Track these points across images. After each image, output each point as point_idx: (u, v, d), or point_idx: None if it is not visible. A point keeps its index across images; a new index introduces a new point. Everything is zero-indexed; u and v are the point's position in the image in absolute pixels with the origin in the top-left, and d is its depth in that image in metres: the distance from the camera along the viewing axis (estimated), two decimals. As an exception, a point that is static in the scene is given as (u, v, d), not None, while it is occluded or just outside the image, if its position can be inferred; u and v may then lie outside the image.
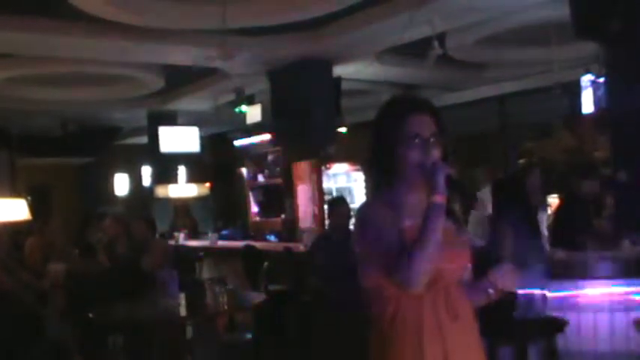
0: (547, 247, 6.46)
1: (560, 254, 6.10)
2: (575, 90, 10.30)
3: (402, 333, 2.41)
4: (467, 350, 2.46)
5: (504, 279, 2.53)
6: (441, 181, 2.35)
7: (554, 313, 5.40)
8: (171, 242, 11.90)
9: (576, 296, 5.83)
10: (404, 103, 2.58)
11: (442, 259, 2.34)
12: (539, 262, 5.44)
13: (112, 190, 19.33)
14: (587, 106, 9.90)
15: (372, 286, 2.47)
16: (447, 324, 2.41)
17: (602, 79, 8.38)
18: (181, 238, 12.34)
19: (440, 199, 2.35)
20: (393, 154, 2.46)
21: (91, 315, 6.03)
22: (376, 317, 2.48)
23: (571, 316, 5.43)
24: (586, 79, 9.79)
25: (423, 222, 2.34)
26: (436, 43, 8.95)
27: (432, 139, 2.46)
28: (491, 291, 2.54)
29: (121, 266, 7.35)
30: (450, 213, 2.47)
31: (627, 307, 5.70)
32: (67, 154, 18.00)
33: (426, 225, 2.33)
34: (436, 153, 2.45)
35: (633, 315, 5.40)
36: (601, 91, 8.76)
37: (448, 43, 9.71)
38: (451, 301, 2.43)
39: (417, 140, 2.44)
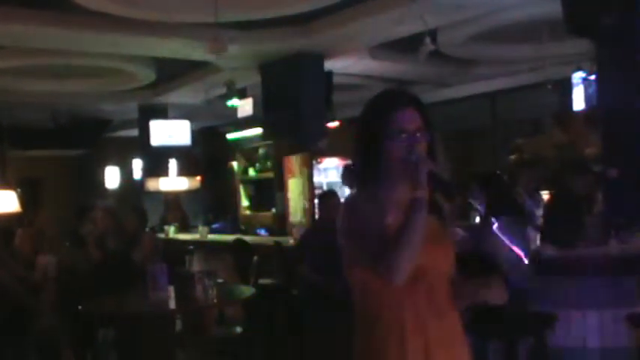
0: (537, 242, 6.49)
1: (550, 250, 6.12)
2: (567, 87, 10.34)
3: (385, 328, 2.41)
4: (450, 347, 2.46)
5: (494, 294, 2.54)
6: (423, 176, 2.36)
7: (544, 309, 5.41)
8: (162, 235, 11.88)
9: (565, 292, 5.84)
10: (390, 98, 2.57)
11: (425, 255, 2.35)
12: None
13: (103, 183, 19.29)
14: (578, 103, 9.94)
15: (355, 280, 2.47)
16: (430, 320, 2.41)
17: (593, 77, 8.40)
18: (172, 231, 12.31)
19: (422, 194, 2.36)
20: (378, 149, 2.46)
21: (80, 308, 6.00)
22: (360, 312, 2.48)
23: (560, 313, 5.44)
24: (577, 76, 9.84)
25: (406, 216, 2.35)
26: (428, 39, 8.96)
27: (417, 134, 2.45)
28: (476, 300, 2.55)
29: (111, 259, 7.33)
30: (435, 209, 2.47)
31: (616, 303, 5.72)
32: (58, 147, 17.97)
33: (408, 219, 2.34)
34: (421, 148, 2.44)
35: (622, 311, 5.42)
36: (592, 88, 8.79)
37: (440, 39, 9.72)
38: (435, 297, 2.43)
39: (402, 135, 2.44)
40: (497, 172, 6.61)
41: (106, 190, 19.12)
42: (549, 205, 7.46)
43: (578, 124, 10.52)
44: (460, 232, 5.88)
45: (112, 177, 19.56)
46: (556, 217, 6.89)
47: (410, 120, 2.46)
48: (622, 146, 7.14)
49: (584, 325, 5.82)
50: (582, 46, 8.14)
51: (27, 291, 7.33)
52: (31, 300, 7.31)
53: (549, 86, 11.22)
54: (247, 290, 6.31)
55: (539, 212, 7.49)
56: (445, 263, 2.50)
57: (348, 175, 8.38)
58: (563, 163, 8.30)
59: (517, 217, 5.63)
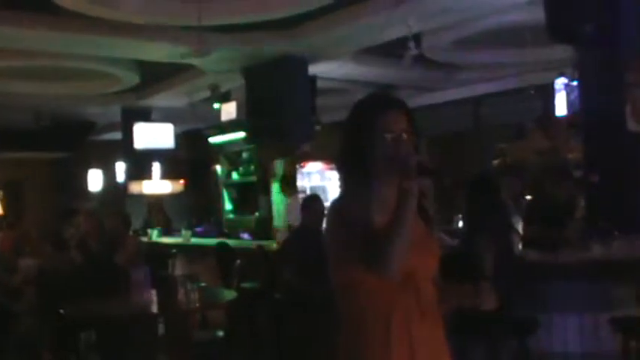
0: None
1: (532, 255, 6.15)
2: (549, 92, 10.39)
3: (371, 329, 2.42)
4: (434, 348, 2.48)
5: (483, 299, 2.56)
6: (412, 167, 2.37)
7: (526, 314, 5.43)
8: (145, 239, 11.85)
9: (547, 296, 5.87)
10: (376, 101, 2.60)
11: (413, 257, 2.37)
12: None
13: (86, 186, 19.21)
14: (561, 108, 9.99)
15: (342, 283, 2.48)
16: (416, 322, 2.43)
17: (575, 82, 8.45)
18: (154, 234, 12.29)
19: (410, 185, 2.37)
20: (364, 151, 2.48)
21: (62, 311, 5.98)
22: (345, 314, 2.49)
23: (542, 317, 5.46)
24: (560, 82, 9.88)
25: (396, 209, 2.37)
26: (412, 44, 8.98)
27: (403, 136, 2.48)
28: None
29: (93, 262, 7.31)
30: (421, 211, 2.49)
31: (597, 307, 5.76)
32: (41, 149, 17.86)
33: (397, 211, 2.36)
34: (407, 149, 2.47)
35: (603, 316, 5.45)
36: (574, 94, 8.84)
37: (424, 44, 9.75)
38: (421, 298, 2.45)
39: (388, 137, 2.46)
40: (488, 177, 6.61)
41: (89, 193, 19.03)
42: (531, 210, 7.50)
43: (560, 129, 10.57)
44: (446, 238, 5.92)
45: (95, 180, 19.47)
46: (538, 222, 6.93)
47: (396, 122, 2.50)
48: (603, 151, 7.19)
49: (566, 329, 5.85)
50: (565, 52, 8.18)
51: (8, 294, 7.30)
52: (8, 303, 7.28)
53: (532, 92, 11.27)
54: (229, 294, 6.31)
55: (521, 218, 7.52)
56: (431, 265, 2.53)
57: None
58: (545, 168, 8.34)
59: (503, 222, 5.65)
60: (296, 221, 10.25)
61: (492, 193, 5.62)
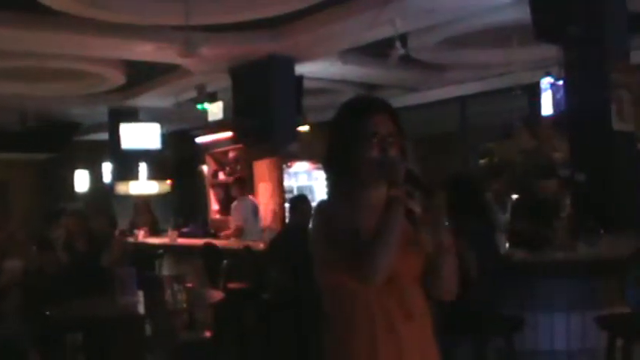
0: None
1: (519, 254, 6.16)
2: (535, 92, 10.42)
3: (357, 333, 2.41)
4: (421, 350, 2.47)
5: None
6: (399, 175, 2.37)
7: (512, 312, 5.45)
8: (131, 239, 11.81)
9: (533, 295, 5.89)
10: (362, 103, 2.60)
11: (398, 259, 2.36)
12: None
13: (72, 187, 19.14)
14: (547, 108, 10.02)
15: (327, 283, 2.48)
16: (401, 324, 2.42)
17: (561, 82, 8.48)
18: (141, 235, 12.24)
19: (398, 192, 2.37)
20: (350, 153, 2.48)
21: (48, 312, 5.95)
22: (331, 317, 2.49)
23: (528, 315, 5.48)
24: (546, 82, 9.91)
25: (382, 216, 2.35)
26: (398, 44, 9.00)
27: (390, 138, 2.47)
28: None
29: (79, 263, 7.28)
30: (408, 213, 2.48)
31: (583, 306, 5.78)
32: (27, 150, 17.80)
33: (384, 218, 2.35)
34: (394, 152, 2.46)
35: (589, 314, 5.47)
36: (560, 94, 8.87)
37: (410, 44, 9.77)
38: (406, 300, 2.44)
39: (375, 139, 2.46)
40: (467, 175, 6.62)
41: (75, 193, 18.97)
42: (517, 209, 7.52)
43: (546, 128, 10.61)
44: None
45: (81, 180, 19.41)
46: (524, 221, 6.95)
47: (383, 124, 2.48)
48: (589, 150, 7.22)
49: (552, 328, 5.87)
50: (551, 51, 8.21)
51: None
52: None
53: (518, 92, 11.30)
54: (216, 294, 6.30)
55: (507, 216, 7.55)
56: (417, 267, 2.50)
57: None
58: (531, 168, 8.37)
59: (483, 221, 5.65)
60: (239, 222, 10.66)
61: (472, 193, 5.62)
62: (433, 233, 2.45)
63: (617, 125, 7.08)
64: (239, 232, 10.62)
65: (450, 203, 2.61)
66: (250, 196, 11.13)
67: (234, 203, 10.95)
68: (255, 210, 10.94)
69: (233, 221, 10.91)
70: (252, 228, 10.65)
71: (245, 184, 11.24)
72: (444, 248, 2.46)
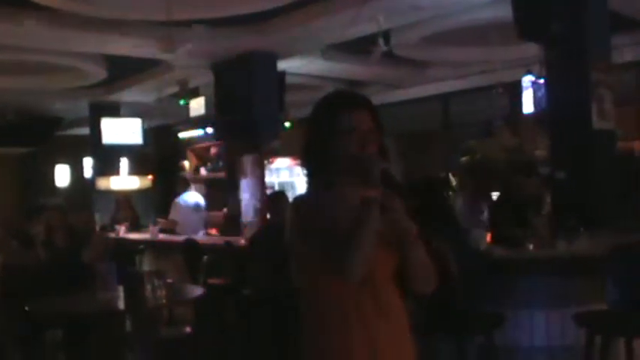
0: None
1: (499, 251, 6.19)
2: (517, 90, 10.46)
3: (332, 328, 2.41)
4: (396, 346, 2.47)
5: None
6: (376, 174, 2.36)
7: (492, 309, 5.47)
8: (112, 235, 11.77)
9: (514, 292, 5.92)
10: (340, 98, 2.58)
11: (372, 258, 2.36)
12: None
13: (53, 182, 19.04)
14: (528, 105, 10.07)
15: (302, 283, 2.47)
16: (376, 323, 2.41)
17: (542, 80, 8.52)
18: (122, 230, 12.20)
19: (374, 193, 2.36)
20: (328, 149, 2.46)
21: (27, 308, 5.92)
22: (306, 314, 2.48)
23: (508, 312, 5.50)
24: (527, 80, 9.96)
25: (359, 216, 2.35)
26: (381, 41, 9.00)
27: (369, 135, 2.46)
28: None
29: (59, 259, 7.25)
30: (386, 211, 2.47)
31: (563, 303, 5.81)
32: (7, 144, 17.67)
33: (360, 218, 2.34)
34: (373, 148, 2.45)
35: (568, 311, 5.50)
36: (541, 92, 8.91)
37: (393, 41, 9.77)
38: (380, 300, 2.43)
39: (353, 134, 2.44)
40: (432, 178, 6.56)
41: (55, 188, 18.88)
42: (498, 206, 7.55)
43: (527, 126, 10.65)
44: None
45: (62, 175, 19.32)
46: (505, 218, 6.98)
47: (361, 120, 2.47)
48: (569, 149, 7.26)
49: (532, 324, 5.90)
50: (532, 50, 8.24)
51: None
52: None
53: (500, 90, 11.35)
54: (197, 290, 6.29)
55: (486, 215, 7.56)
56: (392, 266, 2.50)
57: None
58: (512, 165, 8.39)
59: (448, 226, 5.67)
60: (175, 217, 11.42)
61: (435, 194, 5.63)
62: (397, 221, 2.43)
63: (597, 124, 7.12)
64: (172, 226, 11.38)
65: (416, 207, 2.58)
66: (194, 193, 11.72)
67: (177, 199, 11.63)
68: (197, 206, 11.63)
69: (170, 215, 11.66)
70: (192, 223, 11.33)
71: (188, 182, 12.01)
72: (408, 236, 2.45)
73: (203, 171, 13.22)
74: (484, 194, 8.03)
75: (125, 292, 5.67)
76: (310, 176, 2.58)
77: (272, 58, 11.00)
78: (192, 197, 11.77)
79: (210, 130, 12.58)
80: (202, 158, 13.31)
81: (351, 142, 2.43)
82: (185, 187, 11.79)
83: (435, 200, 5.52)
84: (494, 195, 8.17)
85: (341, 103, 2.53)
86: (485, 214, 7.66)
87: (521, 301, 5.90)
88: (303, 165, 2.60)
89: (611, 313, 5.29)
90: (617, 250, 5.42)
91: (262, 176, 10.94)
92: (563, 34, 7.13)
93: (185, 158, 13.97)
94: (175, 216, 11.52)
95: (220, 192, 12.34)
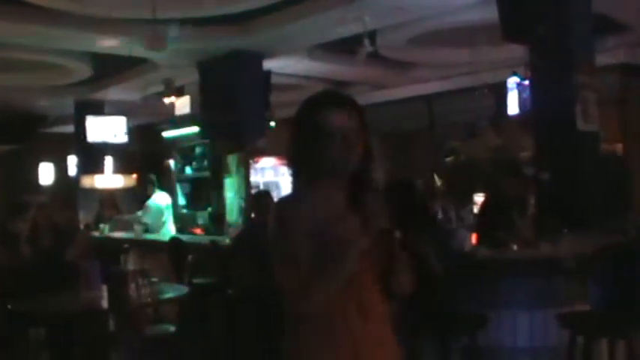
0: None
1: (483, 252, 6.22)
2: (502, 91, 10.50)
3: (314, 330, 2.40)
4: (380, 347, 2.46)
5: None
6: (371, 225, 2.35)
7: (476, 309, 5.49)
8: (97, 233, 11.75)
9: (497, 292, 5.94)
10: (326, 98, 2.56)
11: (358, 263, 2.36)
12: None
13: (37, 180, 18.96)
14: (513, 107, 10.10)
15: (285, 283, 2.45)
16: (359, 323, 2.41)
17: (527, 82, 8.55)
18: (107, 229, 12.16)
19: (361, 241, 2.34)
20: (313, 150, 2.45)
21: (10, 307, 5.90)
22: (288, 313, 2.47)
23: (492, 313, 5.53)
24: (512, 81, 9.99)
25: (337, 256, 2.33)
26: (367, 41, 9.02)
27: (353, 134, 2.46)
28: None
29: (43, 257, 7.22)
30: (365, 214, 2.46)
31: (546, 303, 5.84)
32: (-10, 141, 17.60)
33: (339, 256, 2.33)
34: (358, 149, 2.45)
35: (551, 311, 5.53)
36: (526, 93, 8.94)
37: (379, 41, 9.79)
38: (362, 300, 2.43)
39: (338, 135, 2.43)
40: (408, 181, 6.56)
41: (39, 186, 18.79)
42: (483, 207, 7.58)
43: (512, 128, 10.70)
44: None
45: (46, 173, 19.24)
46: (489, 219, 7.01)
47: (346, 120, 2.45)
48: (553, 150, 7.29)
49: (515, 325, 5.93)
50: (517, 51, 8.27)
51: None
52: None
53: (485, 91, 11.38)
54: (181, 289, 6.29)
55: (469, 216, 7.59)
56: (373, 267, 2.48)
57: None
58: (497, 166, 8.44)
59: (430, 227, 5.69)
60: (148, 219, 11.51)
61: (413, 196, 5.65)
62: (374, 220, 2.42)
63: (581, 126, 7.16)
64: (145, 228, 11.46)
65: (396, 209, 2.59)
66: (162, 194, 11.85)
67: (148, 201, 11.77)
68: (167, 207, 11.83)
69: (143, 217, 11.71)
70: (160, 224, 11.57)
71: (154, 183, 11.97)
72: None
73: (188, 170, 13.20)
74: (468, 195, 8.08)
75: (109, 291, 5.66)
76: (295, 176, 2.57)
77: (258, 57, 10.99)
78: (163, 199, 11.85)
79: (195, 129, 12.55)
80: (187, 157, 13.29)
81: (336, 143, 2.42)
82: (154, 189, 11.87)
83: (414, 201, 5.53)
84: (479, 196, 8.22)
85: (327, 102, 2.51)
86: (470, 215, 7.70)
87: (504, 301, 5.94)
88: (289, 164, 2.60)
89: (593, 313, 5.33)
90: (600, 252, 5.46)
91: (247, 175, 10.94)
92: (548, 36, 7.16)
93: (170, 157, 13.94)
94: (149, 219, 11.56)
95: (205, 191, 12.33)
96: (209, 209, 11.85)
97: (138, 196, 16.19)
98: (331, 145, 2.42)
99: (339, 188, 2.46)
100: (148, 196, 11.87)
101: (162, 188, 12.21)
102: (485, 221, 7.15)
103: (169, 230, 11.65)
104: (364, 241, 2.35)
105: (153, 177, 12.05)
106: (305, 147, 2.47)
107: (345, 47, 10.07)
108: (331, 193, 2.47)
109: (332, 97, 2.57)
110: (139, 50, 9.83)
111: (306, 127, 2.48)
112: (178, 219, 12.85)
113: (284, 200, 2.60)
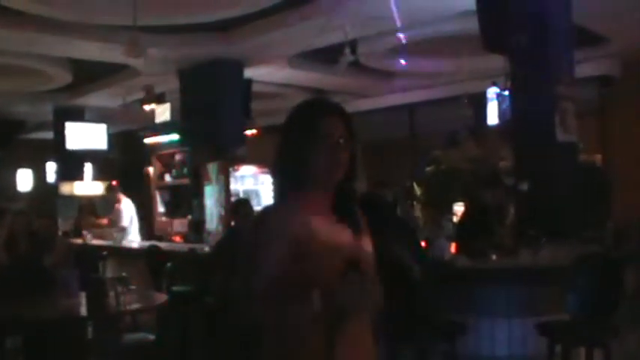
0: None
1: (463, 261, 6.24)
2: (482, 101, 10.56)
3: (291, 337, 2.38)
4: (359, 348, 2.45)
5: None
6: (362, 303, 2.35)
7: (455, 317, 5.51)
8: (78, 241, 11.69)
9: (476, 301, 5.97)
10: (315, 106, 2.57)
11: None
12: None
13: (15, 186, 18.84)
14: (493, 117, 10.17)
15: (262, 294, 2.44)
16: (338, 329, 2.40)
17: (507, 92, 8.60)
18: (88, 237, 12.10)
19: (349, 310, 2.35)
20: (301, 157, 2.45)
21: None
22: (266, 322, 2.46)
23: (471, 321, 5.54)
24: (492, 92, 10.06)
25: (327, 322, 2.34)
26: (348, 50, 9.04)
27: (341, 141, 2.46)
28: None
29: (21, 264, 7.17)
30: (349, 220, 2.47)
31: (524, 312, 5.87)
32: (-34, 148, 17.47)
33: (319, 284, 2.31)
34: (345, 156, 2.45)
35: (530, 320, 5.56)
36: (506, 104, 9.00)
37: (360, 50, 9.81)
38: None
39: (326, 142, 2.44)
40: (380, 193, 6.55)
41: (17, 193, 18.68)
42: (463, 216, 7.61)
43: (491, 137, 10.75)
44: None
45: (24, 180, 19.14)
46: (469, 228, 7.04)
47: (335, 127, 2.45)
48: (532, 160, 7.33)
49: (494, 333, 5.95)
50: (497, 62, 8.32)
51: None
52: None
53: (465, 100, 11.44)
54: (160, 297, 6.26)
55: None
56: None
57: None
58: (477, 176, 8.47)
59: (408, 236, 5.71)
60: (125, 223, 11.57)
61: (377, 210, 5.67)
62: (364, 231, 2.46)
63: (560, 136, 7.21)
64: (124, 233, 11.48)
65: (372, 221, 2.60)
66: (127, 200, 11.87)
67: (119, 205, 11.79)
68: (134, 211, 11.89)
69: (119, 222, 11.74)
70: (131, 228, 11.66)
71: (117, 190, 12.08)
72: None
73: (168, 177, 13.16)
74: (449, 204, 8.10)
75: (87, 298, 5.63)
76: (280, 185, 2.56)
77: (238, 65, 10.99)
78: (130, 203, 11.87)
79: (175, 136, 12.52)
80: (167, 165, 13.26)
81: (325, 150, 2.42)
82: (117, 197, 11.95)
83: (389, 213, 5.57)
84: (459, 205, 8.24)
85: (315, 110, 2.52)
86: (450, 225, 7.72)
87: (483, 310, 5.96)
88: (274, 172, 2.59)
89: (572, 322, 5.35)
90: (578, 261, 5.49)
91: (227, 183, 10.93)
92: (528, 48, 7.21)
93: (150, 164, 13.90)
94: (125, 223, 11.57)
95: (185, 199, 12.30)
96: (189, 217, 11.82)
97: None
98: (321, 151, 2.43)
99: (325, 198, 2.46)
100: (115, 202, 11.88)
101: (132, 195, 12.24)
102: (465, 230, 7.18)
103: (136, 235, 11.67)
104: (357, 250, 2.36)
105: (114, 183, 12.13)
106: (294, 153, 2.47)
107: (326, 56, 10.09)
108: (317, 203, 2.47)
109: (321, 104, 2.58)
110: (119, 57, 9.80)
111: (296, 134, 2.48)
112: (157, 226, 12.82)
113: (269, 211, 2.59)
